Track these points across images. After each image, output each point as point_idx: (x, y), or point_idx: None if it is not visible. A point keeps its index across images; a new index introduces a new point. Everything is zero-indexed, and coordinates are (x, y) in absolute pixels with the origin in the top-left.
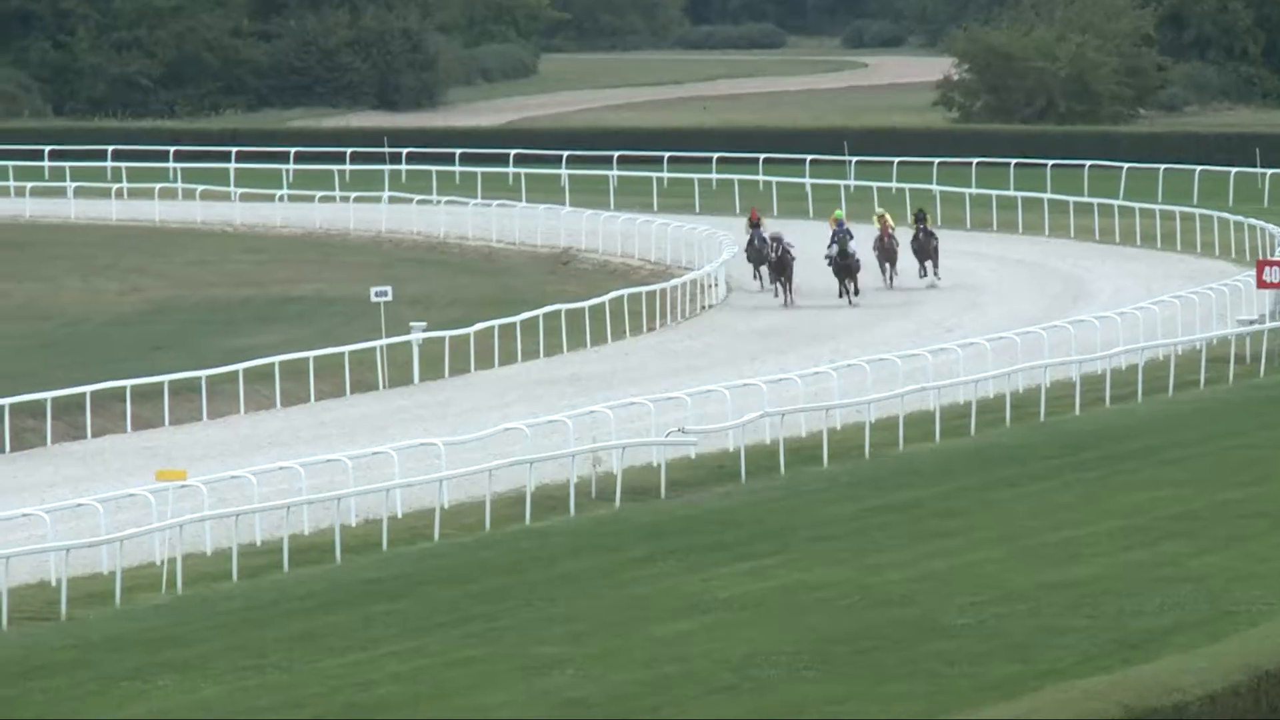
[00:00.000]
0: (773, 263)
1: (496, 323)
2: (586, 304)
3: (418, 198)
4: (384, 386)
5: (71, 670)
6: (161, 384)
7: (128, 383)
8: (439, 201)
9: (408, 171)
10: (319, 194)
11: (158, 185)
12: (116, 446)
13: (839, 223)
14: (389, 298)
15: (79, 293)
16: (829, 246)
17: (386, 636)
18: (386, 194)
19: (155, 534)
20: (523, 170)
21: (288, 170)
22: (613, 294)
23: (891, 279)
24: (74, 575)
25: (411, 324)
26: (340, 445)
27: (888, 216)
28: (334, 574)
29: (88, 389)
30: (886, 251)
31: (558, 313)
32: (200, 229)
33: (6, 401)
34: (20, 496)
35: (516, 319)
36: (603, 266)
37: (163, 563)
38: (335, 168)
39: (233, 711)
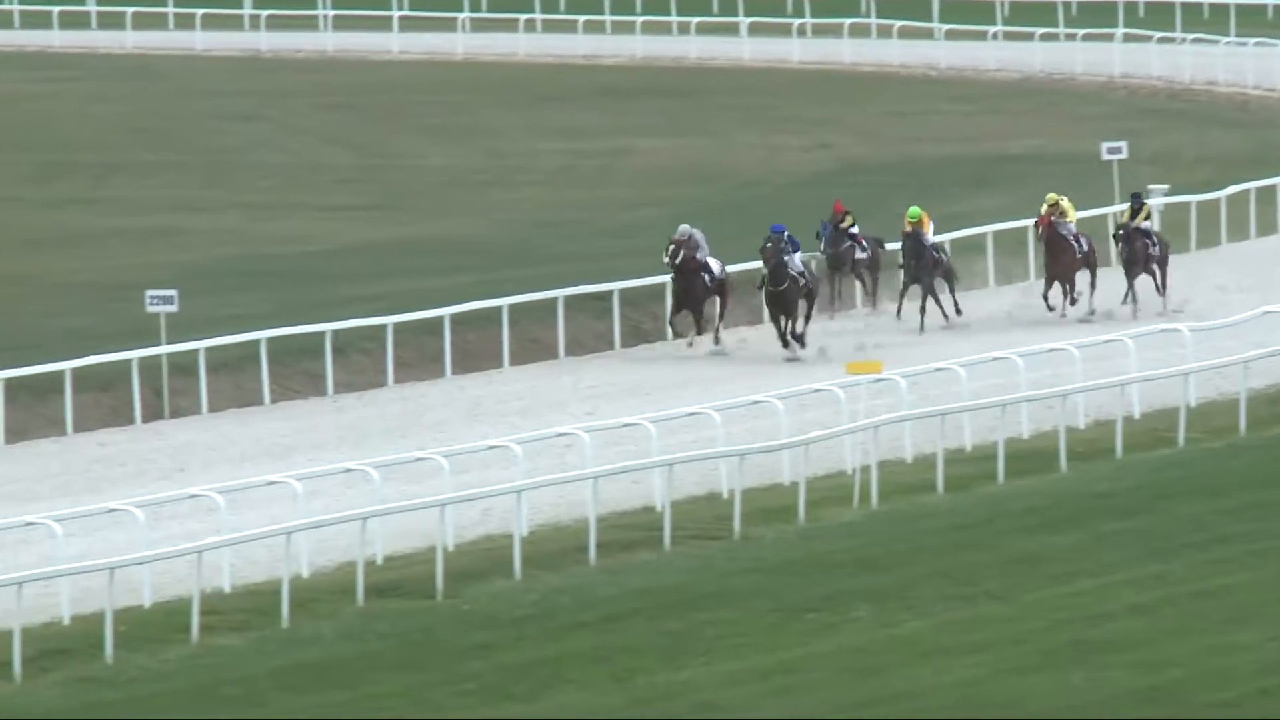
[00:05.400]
0: (676, 278)
1: (1253, 185)
2: None
3: (1158, 35)
4: (1117, 261)
5: (747, 599)
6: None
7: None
8: (1183, 40)
9: (1146, 4)
10: (1039, 31)
11: (847, 21)
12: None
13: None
14: (1123, 155)
15: (754, 148)
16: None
17: (1122, 560)
18: (1120, 30)
19: (845, 438)
20: None
21: (1001, 2)
22: None
23: (1068, 302)
24: (749, 486)
25: (1150, 186)
26: (1065, 333)
27: (1063, 203)
28: (1058, 485)
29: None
30: (1054, 256)
31: None
32: (898, 73)
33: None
34: (688, 391)
35: (1278, 181)
36: None
37: (854, 472)
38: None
39: (939, 649)
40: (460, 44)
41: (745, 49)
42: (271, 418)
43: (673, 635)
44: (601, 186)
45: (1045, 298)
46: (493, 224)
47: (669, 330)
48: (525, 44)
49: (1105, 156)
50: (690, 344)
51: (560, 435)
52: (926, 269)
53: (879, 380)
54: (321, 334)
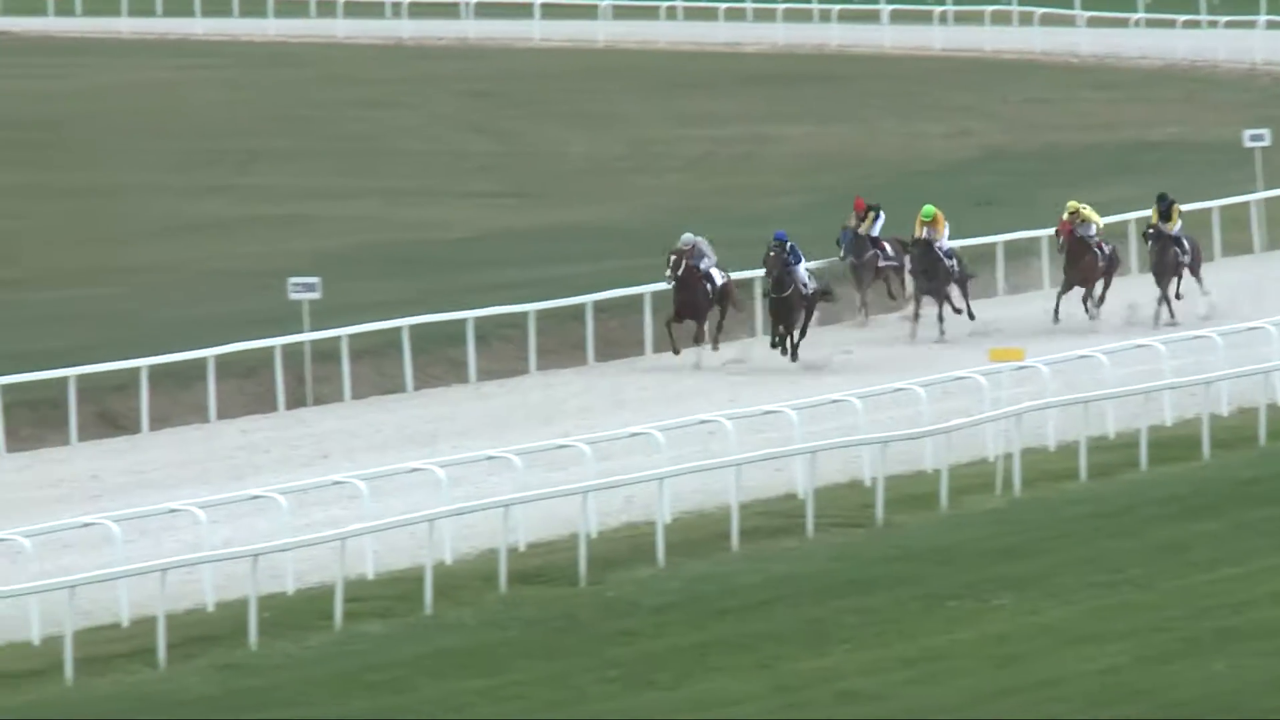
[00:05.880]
0: (677, 288)
1: None
2: None
3: None
4: (1260, 249)
5: (890, 586)
6: (994, 245)
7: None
8: None
9: None
10: (1181, 18)
11: (989, 8)
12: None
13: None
14: (1266, 142)
15: (896, 136)
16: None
17: (1264, 548)
18: (1262, 18)
19: (987, 425)
20: None
21: None
22: None
23: (1090, 304)
24: (892, 473)
25: None
26: (1204, 323)
27: (1084, 210)
28: (1201, 473)
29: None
30: (1073, 260)
31: None
32: (1040, 60)
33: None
34: (830, 378)
35: None
36: None
37: (997, 459)
38: None
39: (1081, 636)
40: (601, 31)
41: (886, 36)
42: (414, 405)
43: (815, 622)
44: (743, 174)
45: (1057, 305)
46: (634, 211)
47: (668, 334)
48: (666, 31)
49: (1248, 144)
50: (678, 353)
51: (703, 422)
52: (939, 278)
53: (1021, 368)
54: (464, 321)
